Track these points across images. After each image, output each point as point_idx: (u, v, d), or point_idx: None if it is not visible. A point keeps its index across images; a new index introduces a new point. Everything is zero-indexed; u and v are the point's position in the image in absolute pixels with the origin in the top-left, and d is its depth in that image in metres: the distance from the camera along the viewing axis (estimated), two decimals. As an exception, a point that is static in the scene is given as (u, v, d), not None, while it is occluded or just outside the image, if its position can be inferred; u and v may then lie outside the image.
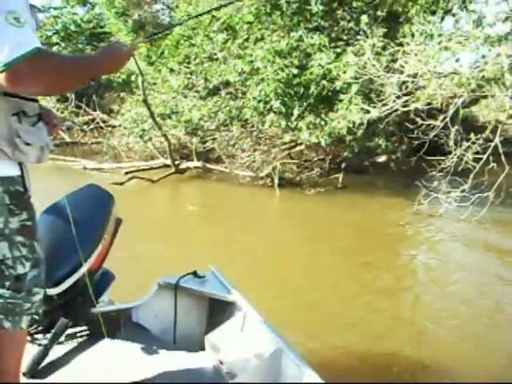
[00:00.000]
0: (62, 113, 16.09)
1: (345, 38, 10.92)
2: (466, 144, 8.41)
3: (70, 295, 2.72)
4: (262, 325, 2.77)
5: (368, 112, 9.15)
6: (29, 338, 2.66)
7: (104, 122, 16.24)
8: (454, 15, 9.60)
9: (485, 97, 8.91)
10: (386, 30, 9.70)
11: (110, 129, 15.69)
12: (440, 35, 8.52)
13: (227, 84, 11.57)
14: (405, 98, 8.75)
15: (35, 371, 2.62)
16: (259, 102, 10.29)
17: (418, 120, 8.88)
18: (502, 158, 8.02)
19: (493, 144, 8.22)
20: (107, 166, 13.08)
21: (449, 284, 6.20)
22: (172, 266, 5.51)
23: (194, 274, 3.23)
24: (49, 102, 15.07)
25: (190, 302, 3.21)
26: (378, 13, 10.61)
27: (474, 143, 8.31)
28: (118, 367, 2.67)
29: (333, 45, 10.36)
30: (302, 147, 11.41)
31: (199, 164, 12.32)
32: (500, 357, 4.57)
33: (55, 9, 20.96)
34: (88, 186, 3.16)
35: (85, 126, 16.66)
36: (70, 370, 2.66)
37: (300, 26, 10.67)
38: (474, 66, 8.22)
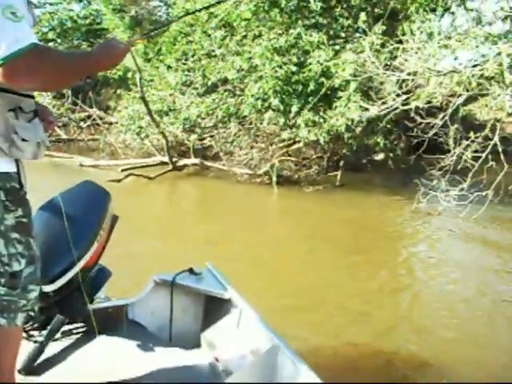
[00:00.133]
0: (59, 109, 16.05)
1: (343, 35, 10.91)
2: (465, 142, 8.40)
3: (66, 292, 2.71)
4: (258, 322, 2.77)
5: (367, 110, 9.15)
6: (24, 334, 2.65)
7: (100, 118, 16.22)
8: (452, 13, 9.61)
9: (484, 95, 8.89)
10: (384, 27, 9.69)
11: (106, 126, 15.66)
12: (440, 33, 8.51)
13: (225, 81, 11.57)
14: (404, 96, 8.74)
15: (31, 368, 2.62)
16: (257, 99, 10.29)
17: (418, 118, 8.87)
18: (501, 156, 8.02)
19: (492, 142, 8.21)
20: (104, 162, 13.07)
21: (448, 282, 6.20)
22: (169, 264, 5.49)
23: (190, 271, 3.23)
24: (45, 98, 15.03)
25: (186, 299, 3.21)
26: (377, 10, 10.60)
27: (473, 142, 8.31)
28: (113, 364, 2.67)
29: (331, 42, 10.36)
30: (300, 145, 11.40)
31: (197, 161, 12.30)
32: (500, 356, 4.56)
33: (51, 5, 20.93)
34: (84, 183, 3.15)
35: (81, 123, 16.63)
36: (66, 367, 2.66)
37: (298, 23, 10.67)
38: (473, 64, 8.21)
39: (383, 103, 8.90)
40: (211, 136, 12.62)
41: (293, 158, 12.00)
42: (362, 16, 9.74)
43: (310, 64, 10.02)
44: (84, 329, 2.93)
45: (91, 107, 16.28)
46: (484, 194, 7.97)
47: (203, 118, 11.93)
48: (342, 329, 4.87)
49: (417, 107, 8.77)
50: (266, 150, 11.85)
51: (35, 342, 2.71)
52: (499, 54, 7.92)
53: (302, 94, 10.15)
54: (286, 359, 2.45)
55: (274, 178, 10.91)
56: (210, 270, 3.29)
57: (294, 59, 10.18)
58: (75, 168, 12.71)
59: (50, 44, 19.64)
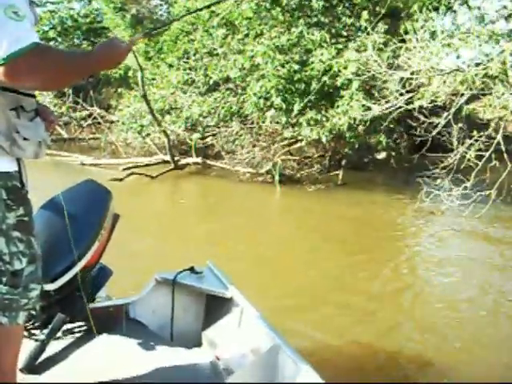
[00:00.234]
0: (60, 108, 16.06)
1: (345, 34, 10.90)
2: (468, 141, 8.37)
3: (67, 291, 2.72)
4: (259, 321, 2.76)
5: (369, 109, 9.13)
6: (26, 333, 2.65)
7: (102, 117, 16.22)
8: (454, 12, 9.58)
9: (485, 94, 8.87)
10: (386, 26, 9.68)
11: (108, 124, 15.67)
12: (443, 32, 8.50)
13: (227, 80, 11.56)
14: (408, 95, 8.72)
15: (32, 366, 2.62)
16: (260, 97, 10.28)
17: (420, 117, 8.84)
18: (505, 155, 8.00)
19: (495, 141, 8.19)
20: (105, 161, 13.07)
21: (451, 281, 6.19)
22: (170, 262, 5.50)
23: (192, 269, 3.23)
24: (46, 97, 15.04)
25: (188, 297, 3.21)
26: (378, 9, 10.58)
27: (476, 141, 8.28)
28: (114, 363, 2.67)
29: (333, 41, 10.35)
30: (302, 144, 11.40)
31: (199, 160, 12.29)
32: (503, 355, 4.55)
33: (52, 3, 20.94)
34: (85, 182, 3.15)
35: (82, 122, 16.63)
36: (67, 366, 2.66)
37: (300, 21, 10.66)
38: (476, 63, 8.18)
39: (386, 102, 8.87)
40: (213, 135, 12.62)
41: (295, 157, 12.00)
42: (365, 14, 9.73)
43: (313, 63, 10.01)
44: (85, 328, 2.93)
45: (92, 106, 16.29)
46: (487, 193, 7.95)
47: (205, 117, 11.93)
48: (343, 328, 4.86)
49: (420, 106, 8.75)
50: (267, 148, 11.85)
51: (36, 340, 2.71)
52: (502, 52, 7.91)
53: (304, 92, 10.14)
54: (287, 358, 2.45)
55: (277, 177, 10.90)
56: (211, 268, 3.29)
57: (297, 58, 10.18)
58: (76, 167, 12.72)
59: (51, 43, 19.65)
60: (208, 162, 12.26)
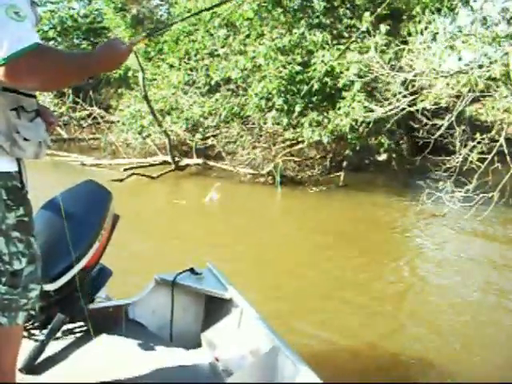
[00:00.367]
0: (60, 108, 16.06)
1: (346, 35, 10.91)
2: (471, 143, 8.35)
3: (67, 291, 2.72)
4: (259, 322, 2.76)
5: (371, 110, 9.12)
6: (25, 333, 2.66)
7: (101, 117, 16.22)
8: (457, 13, 9.57)
9: (485, 96, 8.87)
10: (388, 27, 9.68)
11: (108, 125, 15.67)
12: (445, 34, 8.49)
13: (228, 81, 11.56)
14: (411, 97, 8.71)
15: (31, 367, 2.62)
16: (261, 98, 10.28)
17: (423, 119, 8.81)
18: (507, 158, 8.00)
19: (498, 144, 8.19)
20: (106, 162, 13.07)
21: (451, 283, 6.21)
22: (170, 263, 5.51)
23: (191, 270, 3.24)
24: (46, 97, 15.04)
25: (187, 298, 3.21)
26: (379, 10, 10.57)
27: (479, 143, 8.27)
28: (114, 363, 2.67)
29: (335, 42, 10.35)
30: (302, 145, 11.38)
31: (200, 161, 12.29)
32: (505, 355, 4.57)
33: (52, 3, 20.94)
34: (85, 182, 3.15)
35: (82, 122, 16.63)
36: (67, 366, 2.66)
37: (301, 22, 10.66)
38: (479, 65, 8.18)
39: (389, 104, 8.86)
40: (214, 136, 12.61)
41: (296, 158, 11.99)
42: (367, 16, 9.73)
43: (314, 64, 10.01)
44: (84, 328, 2.92)
45: (91, 106, 16.29)
46: (490, 195, 7.94)
47: (206, 118, 11.92)
48: (343, 328, 4.87)
49: (422, 108, 8.73)
50: (268, 149, 11.85)
51: (36, 340, 2.71)
52: (506, 54, 7.91)
53: (306, 93, 10.14)
54: (286, 360, 2.45)
55: (278, 178, 10.89)
56: (210, 269, 3.29)
57: (298, 59, 10.17)
58: (76, 167, 12.72)
59: (51, 43, 19.67)
60: (209, 162, 12.25)
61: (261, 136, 12.07)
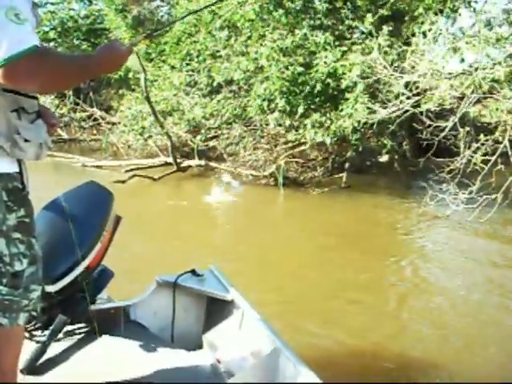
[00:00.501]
0: (61, 109, 16.07)
1: (349, 36, 10.90)
2: (474, 145, 8.33)
3: (69, 292, 2.71)
4: (260, 324, 2.76)
5: (374, 112, 9.11)
6: (27, 334, 2.65)
7: (102, 118, 16.22)
8: (460, 15, 9.57)
9: (492, 97, 8.86)
10: (391, 28, 9.68)
11: (109, 126, 15.67)
12: (449, 35, 8.49)
13: (229, 82, 11.55)
14: (414, 99, 8.70)
15: (33, 368, 2.62)
16: (263, 100, 10.28)
17: (425, 120, 8.79)
18: (511, 159, 7.98)
19: (502, 145, 8.18)
20: (107, 163, 13.06)
21: (454, 284, 6.22)
22: (172, 265, 5.51)
23: (193, 272, 3.23)
24: (47, 98, 15.04)
25: (189, 300, 3.21)
26: (381, 11, 10.57)
27: (482, 144, 8.26)
28: (115, 364, 2.67)
29: (337, 43, 10.34)
30: (305, 147, 11.35)
31: (202, 162, 12.27)
32: (504, 356, 4.57)
33: (52, 4, 20.95)
34: (87, 183, 3.15)
35: (83, 123, 16.64)
36: (68, 367, 2.66)
37: (303, 24, 10.66)
38: (483, 67, 8.16)
39: (393, 105, 8.84)
40: (214, 137, 12.60)
41: (298, 160, 11.96)
42: (369, 17, 9.73)
43: (317, 65, 10.01)
44: (86, 329, 2.93)
45: (92, 107, 16.29)
46: (493, 197, 7.92)
47: (207, 119, 11.92)
48: (345, 329, 4.87)
49: (426, 110, 8.71)
50: (270, 151, 11.83)
51: (37, 342, 2.71)
52: (510, 56, 7.91)
53: (308, 94, 10.13)
54: (287, 361, 2.45)
55: (281, 180, 10.87)
56: (212, 271, 3.29)
57: (301, 60, 10.17)
58: (77, 168, 12.72)
59: (51, 44, 19.68)
60: (211, 164, 12.23)
61: (262, 137, 12.05)
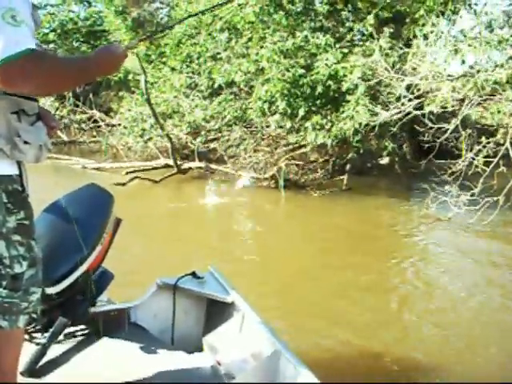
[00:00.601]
0: (61, 111, 16.07)
1: (349, 38, 10.91)
2: (476, 147, 8.33)
3: (69, 294, 2.72)
4: (261, 326, 2.76)
5: (376, 114, 9.11)
6: (27, 336, 2.66)
7: (102, 120, 16.23)
8: (461, 17, 9.56)
9: (491, 100, 8.86)
10: (392, 30, 9.67)
11: (109, 128, 15.67)
12: (450, 37, 8.49)
13: (230, 84, 11.54)
14: (416, 101, 8.69)
15: (33, 370, 2.62)
16: (264, 102, 10.27)
17: (427, 122, 8.78)
18: None
19: (503, 147, 8.17)
20: (107, 165, 13.05)
21: (455, 286, 6.21)
22: (172, 267, 5.51)
23: (193, 274, 3.23)
24: (46, 100, 15.04)
25: (189, 302, 3.21)
26: (381, 13, 10.57)
27: (484, 147, 8.25)
28: (115, 367, 2.67)
29: (338, 45, 10.35)
30: (305, 149, 11.33)
31: (202, 164, 12.26)
32: (505, 356, 4.57)
33: (52, 6, 20.97)
34: (88, 186, 3.16)
35: (83, 125, 16.64)
36: (68, 370, 2.66)
37: (304, 26, 10.66)
38: (485, 69, 8.16)
39: (395, 108, 8.83)
40: (215, 139, 12.58)
41: (298, 162, 11.94)
42: (370, 19, 9.72)
43: (318, 67, 10.01)
44: (86, 331, 2.93)
45: (91, 109, 16.29)
46: (495, 199, 7.91)
47: (208, 121, 11.91)
48: (346, 330, 4.87)
49: (428, 112, 8.70)
50: (271, 153, 11.82)
51: (37, 344, 2.71)
52: (511, 58, 7.91)
53: (309, 97, 10.13)
54: (288, 364, 2.45)
55: (282, 182, 10.85)
56: (212, 273, 3.29)
57: (302, 62, 10.16)
58: (78, 170, 12.72)
59: (51, 45, 19.69)
60: (211, 166, 12.22)
61: (263, 139, 12.04)
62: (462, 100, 8.75)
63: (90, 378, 2.54)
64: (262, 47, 10.49)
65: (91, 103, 16.28)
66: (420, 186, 9.25)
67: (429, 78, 8.40)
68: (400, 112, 8.84)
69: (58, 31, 20.25)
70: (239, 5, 10.93)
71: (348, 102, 9.75)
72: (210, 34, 11.93)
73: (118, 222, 3.08)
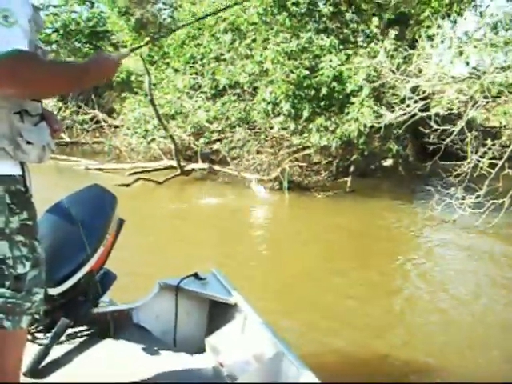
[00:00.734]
0: (64, 111, 16.08)
1: (353, 39, 10.90)
2: (482, 149, 8.31)
3: (72, 295, 2.72)
4: (263, 327, 2.76)
5: (380, 116, 9.10)
6: (29, 337, 2.66)
7: (105, 121, 16.23)
8: (465, 19, 9.55)
9: (493, 101, 8.85)
10: (396, 32, 9.67)
11: (112, 129, 15.67)
12: (455, 39, 8.48)
13: (233, 85, 11.54)
14: (422, 103, 8.68)
15: (35, 371, 2.62)
16: (268, 103, 10.27)
17: (433, 124, 8.76)
18: None
19: (509, 149, 8.16)
20: (110, 166, 13.05)
21: (459, 288, 6.21)
22: (174, 268, 5.51)
23: (196, 275, 3.23)
24: (49, 101, 15.04)
25: (191, 303, 3.21)
26: (385, 15, 10.57)
27: (490, 149, 8.24)
28: (118, 368, 2.67)
29: (342, 47, 10.34)
30: (309, 151, 11.32)
31: (205, 166, 12.26)
32: (506, 357, 4.58)
33: (55, 7, 20.98)
34: (91, 187, 3.16)
35: (86, 126, 16.64)
36: (71, 370, 2.66)
37: (307, 27, 10.66)
38: (491, 71, 8.14)
39: (400, 109, 8.82)
40: (218, 140, 12.57)
41: (303, 164, 11.92)
42: (375, 21, 9.71)
43: (322, 68, 10.00)
44: (89, 332, 2.93)
45: (94, 110, 16.29)
46: (500, 201, 7.89)
47: (211, 123, 11.91)
48: (345, 330, 4.89)
49: (431, 114, 8.69)
50: (274, 154, 11.80)
51: (40, 344, 2.71)
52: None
53: (313, 98, 10.12)
54: (290, 365, 2.44)
55: (286, 184, 10.83)
56: (215, 275, 3.29)
57: (306, 63, 10.16)
58: (81, 171, 12.73)
59: (53, 46, 19.72)
60: (215, 167, 12.21)
61: (266, 141, 12.03)
62: (468, 102, 8.73)
63: (92, 378, 2.54)
64: (265, 48, 10.48)
65: (94, 104, 16.28)
66: (424, 188, 9.24)
67: (434, 79, 8.38)
68: (405, 114, 8.81)
69: (61, 32, 20.26)
70: (243, 6, 10.93)
71: (352, 103, 9.74)
72: (213, 36, 11.92)
73: (121, 222, 3.09)
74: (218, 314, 3.15)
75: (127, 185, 10.78)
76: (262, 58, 10.42)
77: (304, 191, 10.94)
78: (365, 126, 9.40)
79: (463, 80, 8.49)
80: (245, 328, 2.93)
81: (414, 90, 8.77)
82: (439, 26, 8.72)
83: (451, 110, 8.65)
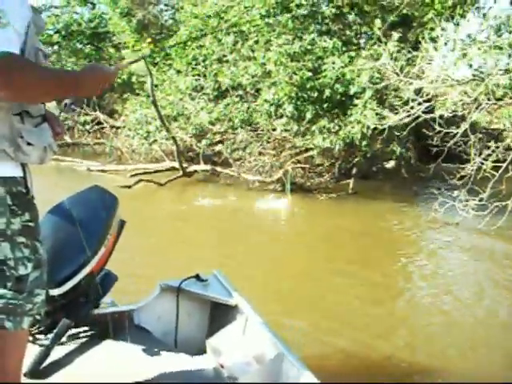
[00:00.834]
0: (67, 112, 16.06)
1: (355, 41, 10.90)
2: (485, 152, 8.30)
3: (73, 296, 2.73)
4: (264, 329, 2.76)
5: (384, 118, 9.09)
6: (30, 338, 2.66)
7: (106, 122, 16.24)
8: (468, 21, 9.55)
9: (495, 104, 8.83)
10: (400, 34, 9.66)
11: (114, 130, 15.67)
12: (459, 41, 8.48)
13: (236, 87, 11.54)
14: (425, 105, 8.67)
15: (36, 371, 2.62)
16: (271, 105, 10.26)
17: (436, 127, 8.75)
18: None
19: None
20: (112, 167, 13.05)
21: (459, 290, 6.20)
22: (176, 269, 5.51)
23: (197, 277, 3.23)
24: (51, 103, 15.02)
25: (192, 305, 3.21)
26: (388, 17, 10.56)
27: (493, 151, 8.23)
28: (119, 369, 2.67)
29: (344, 49, 10.34)
30: (312, 152, 11.30)
31: (208, 167, 12.26)
32: (507, 357, 4.58)
33: (56, 7, 21.00)
34: (92, 188, 3.16)
35: (87, 127, 16.64)
36: (71, 371, 2.66)
37: (310, 29, 10.66)
38: (495, 73, 8.13)
39: (404, 111, 8.81)
40: (220, 141, 12.56)
41: (305, 165, 11.90)
42: (378, 23, 9.71)
43: (325, 70, 9.99)
44: (89, 333, 2.93)
45: (94, 111, 16.31)
46: (504, 204, 7.87)
47: (213, 124, 11.91)
48: (347, 330, 4.88)
49: (434, 116, 8.68)
50: (276, 156, 11.80)
51: (41, 345, 2.71)
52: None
53: (316, 100, 10.12)
54: (291, 366, 2.45)
55: (288, 186, 10.79)
56: (216, 276, 3.29)
57: (309, 65, 10.15)
58: (82, 172, 12.72)
59: (55, 47, 19.74)
60: (217, 169, 12.21)
61: (268, 142, 12.02)
62: (472, 104, 8.71)
63: (93, 379, 2.54)
64: (268, 50, 10.49)
65: (95, 105, 16.28)
66: (426, 190, 9.22)
67: (438, 81, 8.38)
68: (409, 116, 8.80)
69: (63, 33, 20.27)
70: (245, 7, 10.94)
71: (355, 105, 9.74)
72: (215, 37, 11.92)
73: (122, 224, 3.09)
74: (219, 315, 3.15)
75: (129, 186, 10.78)
76: (265, 59, 10.43)
77: (306, 193, 10.93)
78: (368, 128, 9.38)
79: (467, 82, 8.48)
80: (246, 329, 2.94)
81: (417, 92, 8.76)
82: (442, 28, 8.71)
83: (455, 111, 8.62)
